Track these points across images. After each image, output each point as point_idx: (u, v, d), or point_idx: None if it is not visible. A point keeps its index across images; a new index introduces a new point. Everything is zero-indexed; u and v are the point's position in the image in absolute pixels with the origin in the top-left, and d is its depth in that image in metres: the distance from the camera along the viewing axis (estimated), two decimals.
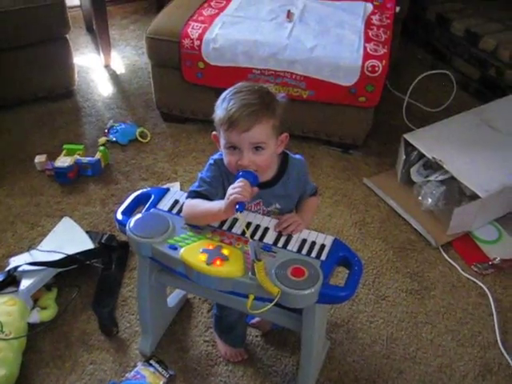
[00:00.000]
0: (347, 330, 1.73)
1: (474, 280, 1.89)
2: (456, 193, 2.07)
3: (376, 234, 2.08)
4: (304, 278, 1.18)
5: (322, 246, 1.29)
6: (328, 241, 1.30)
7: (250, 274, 1.18)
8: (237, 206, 1.19)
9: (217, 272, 1.19)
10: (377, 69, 2.15)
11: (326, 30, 2.33)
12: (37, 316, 1.68)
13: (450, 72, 2.82)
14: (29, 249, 1.86)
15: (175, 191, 1.45)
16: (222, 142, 1.29)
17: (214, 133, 1.35)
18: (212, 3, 2.53)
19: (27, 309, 1.67)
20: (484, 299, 1.83)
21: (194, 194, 1.34)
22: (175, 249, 1.25)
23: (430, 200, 2.09)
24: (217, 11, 2.45)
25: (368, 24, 2.38)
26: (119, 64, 3.15)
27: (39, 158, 2.33)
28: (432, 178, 2.14)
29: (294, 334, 1.69)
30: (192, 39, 2.30)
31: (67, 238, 1.91)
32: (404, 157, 2.20)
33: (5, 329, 1.54)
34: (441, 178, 2.11)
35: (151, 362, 1.59)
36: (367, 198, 2.23)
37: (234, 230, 1.32)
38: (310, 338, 1.35)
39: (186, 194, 1.40)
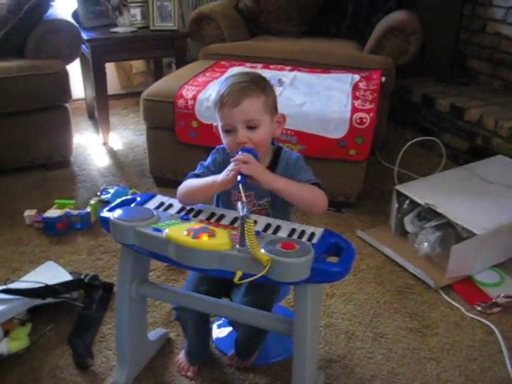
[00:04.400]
0: (343, 365, 1.58)
1: (479, 319, 1.76)
2: (452, 239, 2.01)
3: (372, 278, 1.98)
4: (294, 250, 1.11)
5: (312, 234, 1.23)
6: (318, 230, 1.25)
7: (237, 246, 1.12)
8: (239, 178, 1.17)
9: (203, 244, 1.12)
10: (365, 120, 2.21)
11: (315, 92, 2.43)
12: (5, 346, 1.55)
13: (439, 146, 2.88)
14: (6, 281, 1.75)
15: (162, 196, 1.41)
16: (219, 125, 1.31)
17: (214, 124, 1.36)
18: (207, 74, 2.67)
19: None
20: (492, 337, 1.70)
21: (192, 177, 1.35)
22: (159, 231, 1.19)
23: (426, 245, 2.03)
24: (211, 79, 2.58)
25: (355, 88, 2.50)
26: (117, 142, 3.24)
27: (29, 212, 2.31)
28: (427, 225, 2.10)
29: (286, 369, 1.54)
30: (186, 99, 2.39)
31: (48, 276, 1.81)
32: (396, 205, 2.18)
33: None
34: (435, 223, 2.07)
35: None
36: (361, 249, 2.16)
37: (222, 223, 1.27)
38: (304, 329, 1.21)
39: (172, 199, 1.38)
